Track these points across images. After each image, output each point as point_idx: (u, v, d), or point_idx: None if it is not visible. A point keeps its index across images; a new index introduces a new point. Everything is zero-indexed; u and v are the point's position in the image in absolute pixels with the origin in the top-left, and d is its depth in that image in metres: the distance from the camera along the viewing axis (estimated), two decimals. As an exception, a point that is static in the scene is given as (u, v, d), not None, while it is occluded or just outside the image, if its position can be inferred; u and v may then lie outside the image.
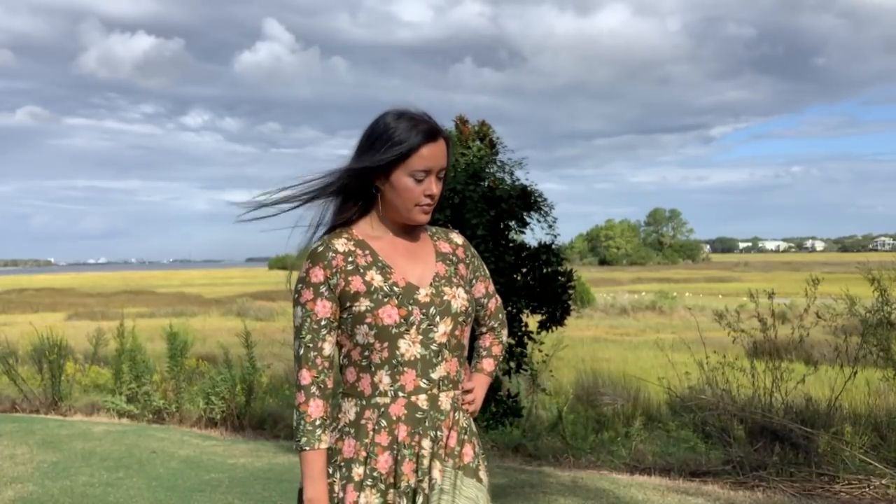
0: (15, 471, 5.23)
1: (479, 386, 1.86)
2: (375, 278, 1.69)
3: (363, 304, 1.67)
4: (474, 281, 1.86)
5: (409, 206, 1.70)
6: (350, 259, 1.70)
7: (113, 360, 8.41)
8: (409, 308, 1.67)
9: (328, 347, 1.73)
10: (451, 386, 1.71)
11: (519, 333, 5.99)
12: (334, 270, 1.69)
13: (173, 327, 8.05)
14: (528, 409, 6.87)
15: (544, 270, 5.96)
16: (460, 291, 1.74)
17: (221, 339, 13.82)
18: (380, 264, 1.71)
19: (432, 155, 1.67)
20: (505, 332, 1.97)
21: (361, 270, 1.70)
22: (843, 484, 4.72)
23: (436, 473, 1.65)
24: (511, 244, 5.98)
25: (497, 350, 1.93)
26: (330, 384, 1.74)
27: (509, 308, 5.91)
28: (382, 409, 1.67)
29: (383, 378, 1.68)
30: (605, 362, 13.78)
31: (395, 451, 1.65)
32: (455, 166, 5.66)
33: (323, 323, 1.71)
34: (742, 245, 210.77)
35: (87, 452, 5.79)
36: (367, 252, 1.72)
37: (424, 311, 1.68)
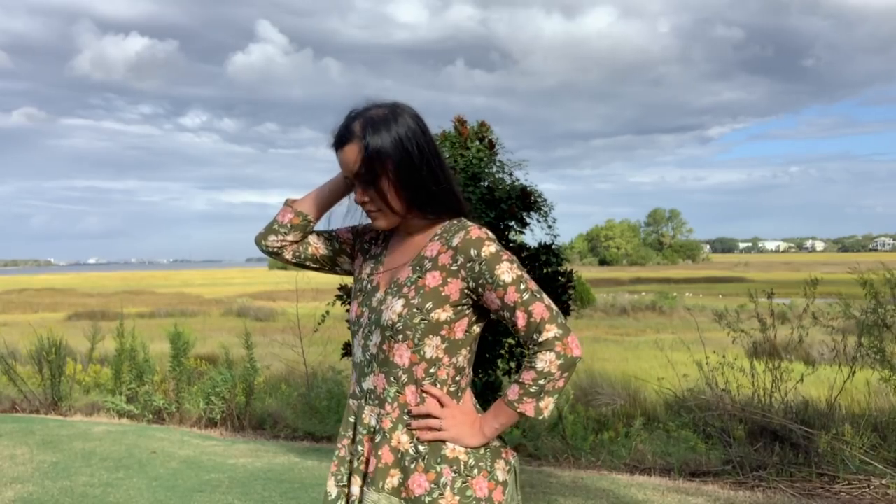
0: (15, 471, 5.23)
1: (491, 414, 1.56)
2: (364, 269, 1.73)
3: (353, 288, 1.76)
4: (481, 291, 1.53)
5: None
6: (368, 241, 1.78)
7: (113, 360, 8.41)
8: (363, 309, 1.66)
9: (315, 239, 1.78)
10: (375, 402, 1.60)
11: (519, 333, 5.99)
12: (359, 238, 1.79)
13: (178, 327, 8.05)
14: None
15: (544, 271, 5.96)
16: (396, 304, 1.56)
17: (221, 339, 13.84)
18: (380, 258, 1.72)
19: (342, 163, 1.62)
20: (544, 355, 1.48)
21: (362, 256, 1.77)
22: (843, 484, 4.72)
23: (354, 488, 1.61)
24: (511, 245, 5.97)
25: (527, 376, 1.50)
26: (292, 239, 1.76)
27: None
28: (348, 404, 1.73)
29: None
30: (604, 362, 13.78)
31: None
32: (454, 167, 5.66)
33: (328, 233, 1.80)
34: (742, 245, 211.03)
35: (87, 452, 5.79)
36: (380, 243, 1.75)
37: (371, 316, 1.63)
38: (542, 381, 1.49)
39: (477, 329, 1.61)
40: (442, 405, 1.57)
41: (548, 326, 1.49)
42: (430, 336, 1.55)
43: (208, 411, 7.36)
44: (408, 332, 1.54)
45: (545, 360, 1.48)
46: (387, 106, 1.62)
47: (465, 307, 1.57)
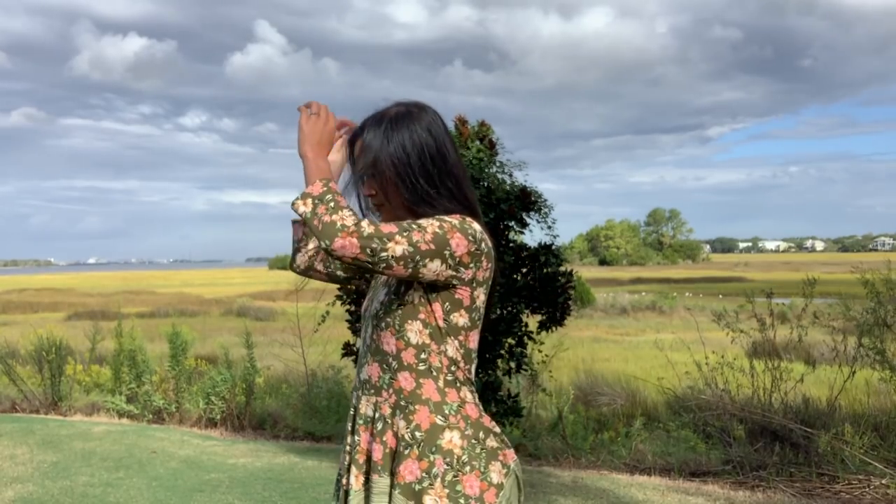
0: (15, 471, 5.23)
1: (317, 161, 1.56)
2: None
3: None
4: None
5: None
6: None
7: (113, 360, 8.41)
8: (368, 303, 1.72)
9: None
10: (372, 391, 1.63)
11: (519, 333, 5.99)
12: None
13: (175, 327, 8.05)
14: (528, 409, 6.87)
15: (544, 271, 5.96)
16: (381, 293, 1.64)
17: (221, 339, 13.84)
18: None
19: (355, 153, 1.68)
20: (363, 223, 1.45)
21: None
22: (844, 484, 4.72)
23: (352, 478, 1.64)
24: (511, 245, 5.97)
25: (342, 198, 1.50)
26: (314, 247, 1.86)
27: (509, 308, 5.91)
28: (351, 396, 1.76)
29: None
30: (604, 362, 13.80)
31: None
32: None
33: None
34: (742, 245, 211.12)
35: (87, 452, 5.80)
36: None
37: (369, 308, 1.69)
38: (332, 203, 1.46)
39: (457, 320, 1.59)
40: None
41: (386, 228, 1.47)
42: (410, 321, 1.58)
43: (208, 411, 7.35)
44: (388, 320, 1.59)
45: (355, 221, 1.45)
46: (405, 106, 1.66)
47: (430, 286, 1.57)
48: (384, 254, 1.44)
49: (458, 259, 1.53)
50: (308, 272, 1.84)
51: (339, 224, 1.43)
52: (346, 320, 5.92)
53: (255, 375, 7.51)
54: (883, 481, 4.68)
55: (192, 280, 77.02)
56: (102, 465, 5.42)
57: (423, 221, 1.52)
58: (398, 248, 1.45)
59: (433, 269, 1.50)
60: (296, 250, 1.82)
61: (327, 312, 6.56)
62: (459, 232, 1.53)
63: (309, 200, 1.47)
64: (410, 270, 1.48)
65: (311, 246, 1.80)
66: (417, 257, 1.47)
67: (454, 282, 1.56)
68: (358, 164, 1.66)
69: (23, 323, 19.56)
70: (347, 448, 1.68)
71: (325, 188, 1.49)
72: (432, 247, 1.49)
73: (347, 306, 5.91)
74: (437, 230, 1.51)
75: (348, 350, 5.92)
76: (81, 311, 30.15)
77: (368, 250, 1.43)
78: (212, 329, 20.76)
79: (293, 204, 1.49)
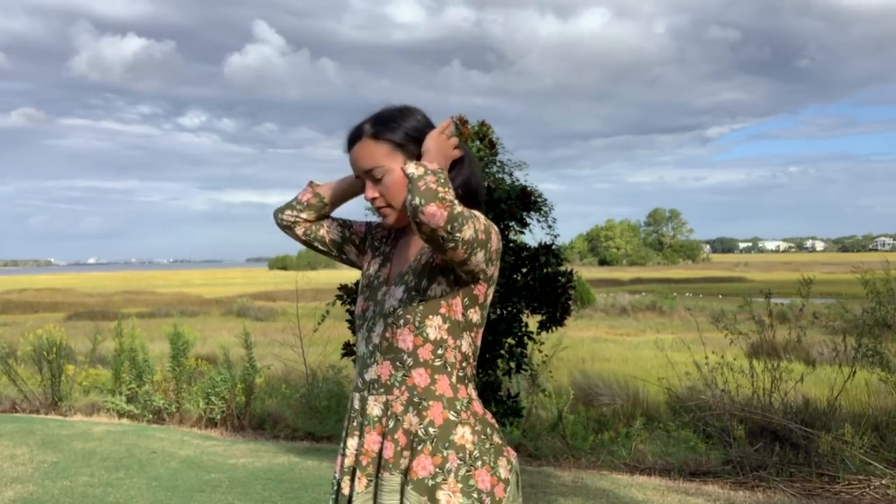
0: (15, 471, 5.23)
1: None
2: (373, 266, 1.80)
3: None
4: None
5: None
6: (379, 239, 1.84)
7: (113, 360, 8.41)
8: (368, 303, 1.73)
9: (328, 223, 1.87)
10: (382, 391, 1.63)
11: (519, 334, 5.99)
12: (370, 235, 1.86)
13: (177, 327, 8.05)
14: (528, 410, 6.87)
15: (544, 271, 5.96)
16: (398, 290, 1.64)
17: (221, 339, 13.83)
18: (388, 255, 1.79)
19: (352, 161, 1.70)
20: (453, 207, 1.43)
21: (371, 252, 1.83)
22: (844, 484, 4.72)
23: (356, 482, 1.63)
24: (511, 245, 5.97)
25: (434, 176, 1.46)
26: (306, 217, 1.85)
27: (509, 308, 5.91)
28: (350, 399, 1.76)
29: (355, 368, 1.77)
30: (605, 362, 13.79)
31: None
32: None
33: (342, 221, 1.89)
34: (742, 245, 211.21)
35: (87, 452, 5.80)
36: (390, 241, 1.82)
37: (375, 308, 1.70)
38: (443, 179, 1.45)
39: (473, 316, 1.63)
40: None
41: (466, 212, 1.47)
42: (431, 316, 1.60)
43: (208, 411, 7.35)
44: (408, 317, 1.60)
45: (453, 198, 1.45)
46: (397, 107, 1.72)
47: (454, 280, 1.60)
48: (458, 234, 1.44)
49: (491, 254, 1.55)
50: (287, 230, 1.86)
51: (440, 194, 1.42)
52: (347, 320, 5.92)
53: (255, 375, 7.51)
54: (883, 481, 4.68)
55: (192, 280, 77.04)
56: (102, 465, 5.42)
57: (472, 211, 1.52)
58: (468, 232, 1.46)
59: (478, 259, 1.52)
60: (291, 206, 1.84)
61: (327, 312, 6.56)
62: (493, 229, 1.56)
63: (422, 168, 1.47)
64: (465, 256, 1.49)
65: (303, 216, 1.83)
66: (475, 245, 1.48)
67: (480, 276, 1.59)
68: (358, 168, 1.70)
69: (23, 323, 19.57)
70: (348, 452, 1.68)
71: (440, 169, 1.49)
72: (483, 237, 1.50)
73: (347, 306, 5.91)
74: (486, 222, 1.53)
75: (348, 350, 5.92)
76: (81, 311, 30.17)
77: (450, 226, 1.42)
78: (212, 329, 20.75)
79: (404, 165, 1.49)
